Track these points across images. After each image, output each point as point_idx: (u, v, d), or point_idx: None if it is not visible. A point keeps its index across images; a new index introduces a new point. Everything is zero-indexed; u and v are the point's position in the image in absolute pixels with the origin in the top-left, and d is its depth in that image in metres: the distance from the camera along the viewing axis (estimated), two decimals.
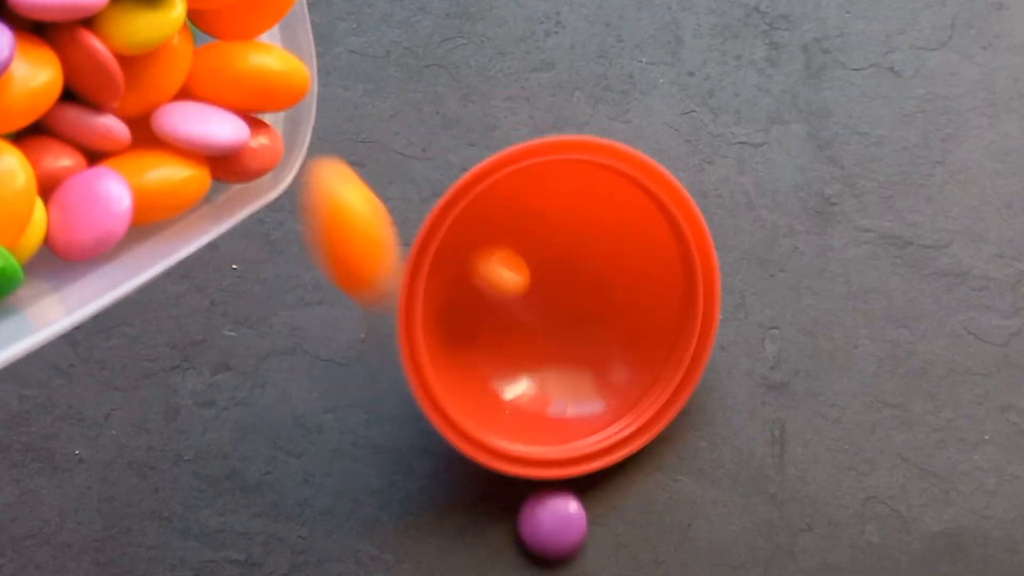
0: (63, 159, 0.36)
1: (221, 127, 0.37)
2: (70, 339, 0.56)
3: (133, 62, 0.36)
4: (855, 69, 0.57)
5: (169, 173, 0.37)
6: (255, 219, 0.57)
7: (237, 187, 0.40)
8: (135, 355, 0.56)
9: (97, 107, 0.36)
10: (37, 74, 0.34)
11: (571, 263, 0.55)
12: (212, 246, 0.56)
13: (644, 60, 0.58)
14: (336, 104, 0.58)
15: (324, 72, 0.58)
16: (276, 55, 0.38)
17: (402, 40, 0.58)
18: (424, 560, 0.54)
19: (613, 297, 0.54)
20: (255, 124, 0.38)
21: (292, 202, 0.57)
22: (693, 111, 0.57)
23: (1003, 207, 0.56)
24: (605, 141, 0.50)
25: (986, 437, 0.54)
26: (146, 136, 0.37)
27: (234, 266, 0.56)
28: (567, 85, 0.58)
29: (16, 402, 0.55)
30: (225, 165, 0.38)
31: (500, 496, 0.54)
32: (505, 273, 0.53)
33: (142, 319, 0.56)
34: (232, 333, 0.56)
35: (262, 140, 0.38)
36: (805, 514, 0.53)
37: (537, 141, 0.50)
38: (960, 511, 0.53)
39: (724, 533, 0.53)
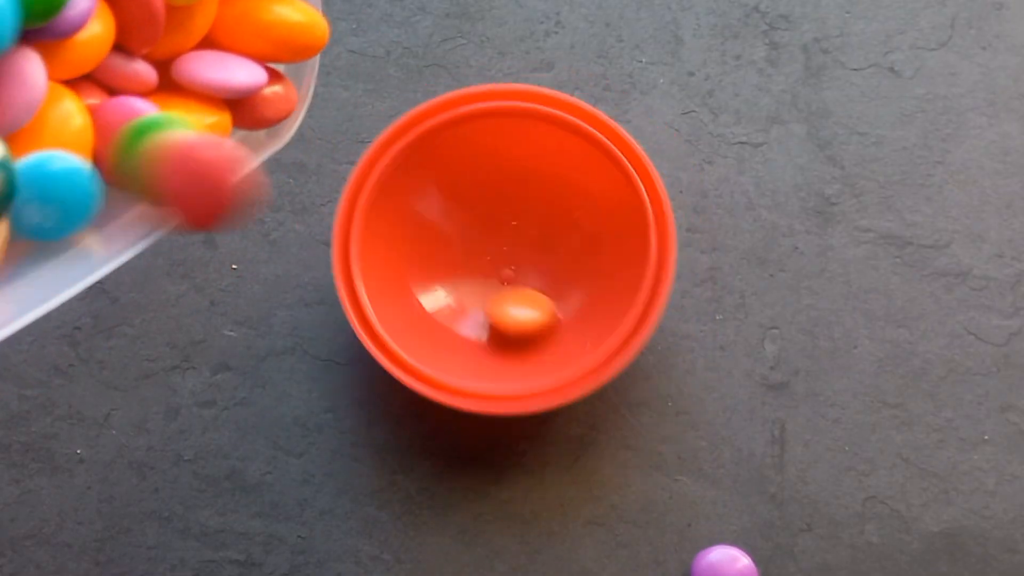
0: (92, 99, 0.37)
1: (239, 71, 0.38)
2: (70, 339, 0.56)
3: (168, 11, 0.37)
4: (855, 69, 0.57)
5: (196, 118, 0.38)
6: (255, 219, 0.57)
7: (242, 134, 0.41)
8: (135, 355, 0.56)
9: (129, 52, 0.37)
10: (97, 23, 0.35)
11: (528, 198, 0.55)
12: (212, 246, 0.56)
13: (644, 60, 0.58)
14: (336, 104, 0.58)
15: (324, 72, 0.58)
16: (298, 7, 0.39)
17: (402, 40, 0.58)
18: (424, 560, 0.54)
19: (573, 234, 0.55)
20: (270, 73, 0.39)
21: (292, 202, 0.57)
22: (693, 111, 0.57)
23: (1003, 207, 0.56)
24: (543, 90, 0.52)
25: (986, 437, 0.54)
26: (163, 81, 0.38)
27: (234, 266, 0.56)
28: (567, 85, 0.58)
29: (16, 402, 0.55)
30: (242, 111, 0.39)
31: (501, 495, 0.54)
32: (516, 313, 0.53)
33: (142, 319, 0.56)
34: (232, 333, 0.56)
35: (277, 89, 0.39)
36: (805, 514, 0.53)
37: (478, 87, 0.53)
38: (960, 511, 0.53)
39: (724, 533, 0.53)
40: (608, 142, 0.52)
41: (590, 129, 0.52)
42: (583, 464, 0.54)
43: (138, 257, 0.56)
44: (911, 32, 0.58)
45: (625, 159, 0.52)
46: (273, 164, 0.57)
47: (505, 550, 0.53)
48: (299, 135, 0.57)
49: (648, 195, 0.51)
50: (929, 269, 0.55)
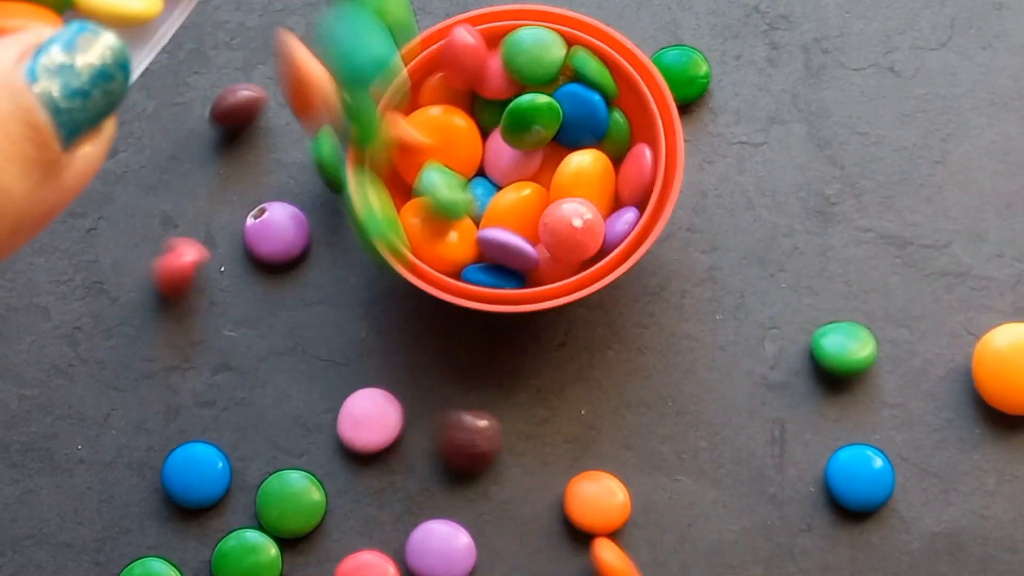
0: None
1: None
2: (70, 339, 0.56)
3: None
4: (855, 69, 0.57)
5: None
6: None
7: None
8: (135, 355, 0.56)
9: None
10: None
11: None
12: (212, 245, 0.56)
13: None
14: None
15: None
16: None
17: None
18: None
19: None
20: None
21: (292, 202, 0.57)
22: (692, 111, 0.57)
23: (1003, 207, 0.56)
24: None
25: (986, 437, 0.54)
26: None
27: (222, 268, 0.56)
28: None
29: (16, 402, 0.55)
30: None
31: (501, 495, 0.54)
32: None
33: (142, 319, 0.56)
34: (232, 333, 0.56)
35: None
36: (805, 514, 0.53)
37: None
38: (960, 511, 0.53)
39: (724, 533, 0.53)
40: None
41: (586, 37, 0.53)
42: (583, 464, 0.54)
43: (138, 257, 0.56)
44: (911, 32, 0.58)
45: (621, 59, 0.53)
46: (273, 164, 0.57)
47: (505, 550, 0.53)
48: (299, 135, 0.57)
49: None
50: (929, 269, 0.55)
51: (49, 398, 0.55)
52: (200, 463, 0.53)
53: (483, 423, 0.53)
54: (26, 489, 0.54)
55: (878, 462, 0.52)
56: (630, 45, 0.53)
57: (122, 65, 0.30)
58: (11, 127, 0.28)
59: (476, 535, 0.53)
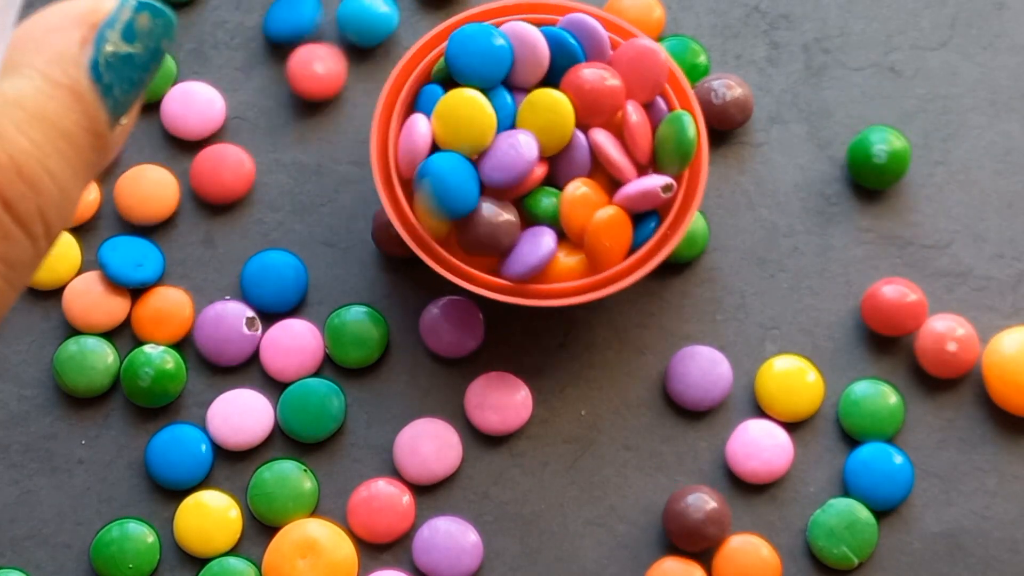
0: None
1: None
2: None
3: None
4: (855, 69, 0.57)
5: None
6: (255, 219, 0.57)
7: None
8: None
9: None
10: None
11: None
12: (212, 246, 0.56)
13: None
14: (335, 103, 0.58)
15: None
16: None
17: (402, 40, 0.58)
18: None
19: None
20: None
21: (292, 202, 0.57)
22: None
23: (1003, 207, 0.56)
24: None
25: (986, 437, 0.54)
26: None
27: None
28: None
29: (16, 402, 0.55)
30: None
31: (501, 495, 0.54)
32: None
33: None
34: None
35: None
36: (805, 514, 0.53)
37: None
38: (960, 511, 0.53)
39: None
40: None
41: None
42: (583, 464, 0.54)
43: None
44: (911, 32, 0.58)
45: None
46: (273, 164, 0.57)
47: (505, 550, 0.53)
48: (299, 135, 0.57)
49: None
50: (930, 269, 0.55)
51: (49, 398, 0.55)
52: (184, 444, 0.53)
53: (711, 506, 0.52)
54: (26, 489, 0.54)
55: (898, 459, 0.52)
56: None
57: (171, 39, 0.28)
58: (80, 139, 0.27)
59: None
